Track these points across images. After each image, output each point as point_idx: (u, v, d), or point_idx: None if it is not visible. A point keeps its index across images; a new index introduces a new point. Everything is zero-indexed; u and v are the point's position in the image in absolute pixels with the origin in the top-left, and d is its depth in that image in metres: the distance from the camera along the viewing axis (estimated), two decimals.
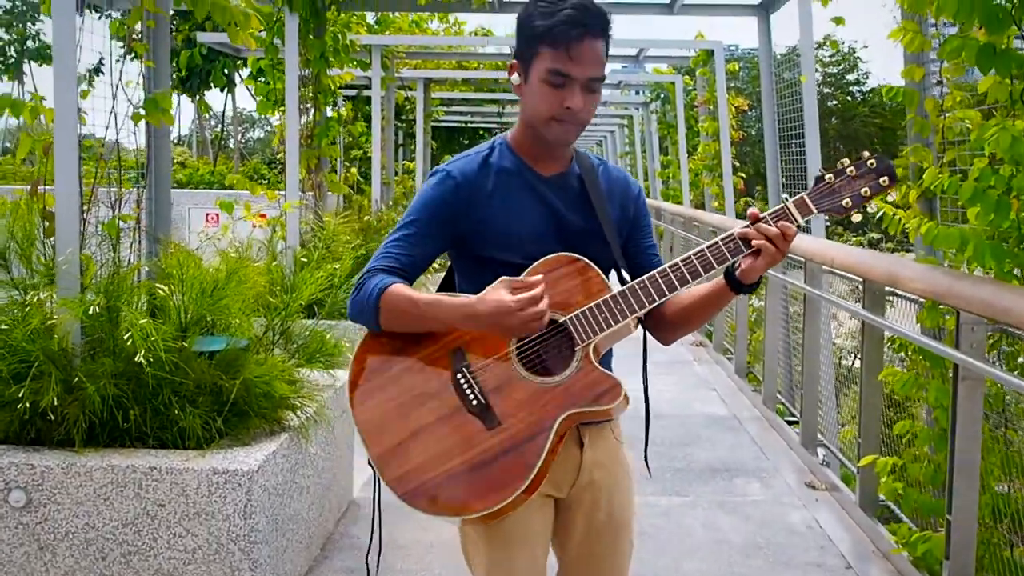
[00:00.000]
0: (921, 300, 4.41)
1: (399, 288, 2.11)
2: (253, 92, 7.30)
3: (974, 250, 3.72)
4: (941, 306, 3.98)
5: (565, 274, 2.14)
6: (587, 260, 2.15)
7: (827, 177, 2.10)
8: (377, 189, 10.37)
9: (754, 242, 2.06)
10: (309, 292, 4.20)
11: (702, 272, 2.10)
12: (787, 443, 6.25)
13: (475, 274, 2.20)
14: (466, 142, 26.89)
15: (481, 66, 14.19)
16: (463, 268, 2.27)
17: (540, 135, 2.16)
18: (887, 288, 4.61)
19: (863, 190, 2.08)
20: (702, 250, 2.10)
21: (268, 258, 4.65)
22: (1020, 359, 3.74)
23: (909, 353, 4.48)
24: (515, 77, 2.16)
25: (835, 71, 63.63)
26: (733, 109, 10.69)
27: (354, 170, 9.58)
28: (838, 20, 5.47)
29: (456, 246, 2.23)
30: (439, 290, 2.34)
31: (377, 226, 8.09)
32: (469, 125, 25.63)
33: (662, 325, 2.30)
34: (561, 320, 2.11)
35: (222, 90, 23.42)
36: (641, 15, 8.40)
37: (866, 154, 2.13)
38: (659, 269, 2.12)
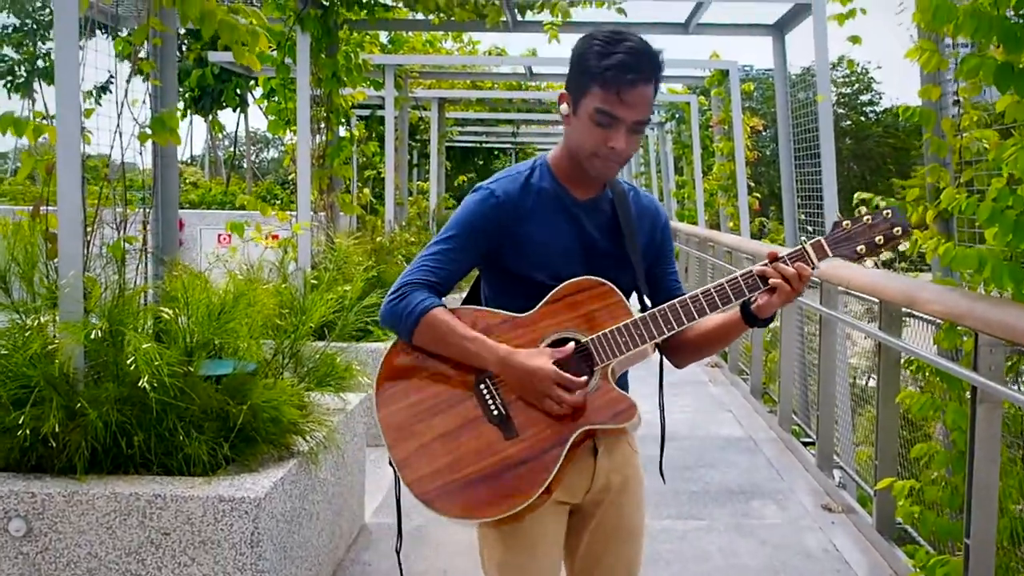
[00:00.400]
0: (938, 321, 4.35)
1: (441, 313, 2.22)
2: (265, 111, 7.25)
3: (992, 271, 3.66)
4: (959, 327, 3.91)
5: (591, 296, 2.24)
6: (612, 285, 2.25)
7: (845, 224, 2.20)
8: (390, 210, 10.35)
9: (771, 280, 2.17)
10: (319, 314, 4.16)
11: (720, 304, 2.20)
12: (803, 465, 6.17)
13: (502, 288, 2.32)
14: (480, 162, 26.92)
15: (495, 86, 14.19)
16: (491, 280, 2.37)
17: (581, 166, 2.24)
18: (904, 309, 4.55)
19: (877, 238, 2.18)
20: (721, 283, 2.20)
21: (279, 280, 4.60)
22: None
23: (926, 375, 4.40)
24: (564, 107, 2.24)
25: (849, 91, 63.51)
26: (748, 129, 10.64)
27: (367, 191, 9.56)
28: (855, 39, 5.43)
29: (489, 260, 2.32)
30: (466, 300, 2.46)
31: (390, 247, 8.06)
32: (484, 145, 25.64)
33: (677, 350, 2.41)
34: (583, 340, 2.21)
35: (235, 110, 23.45)
36: (657, 34, 8.36)
37: (883, 204, 2.27)
38: (679, 299, 2.22)
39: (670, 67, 12.59)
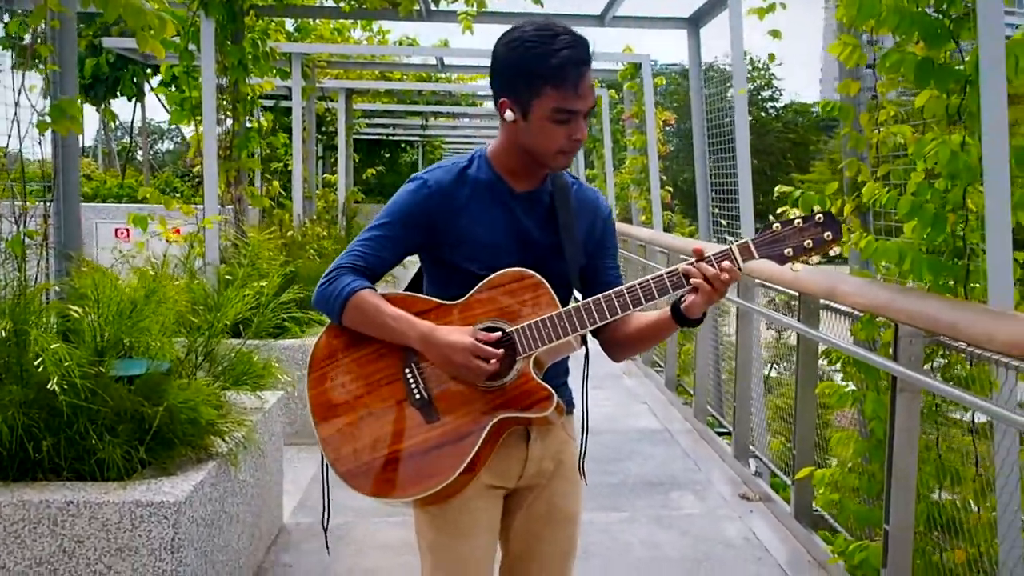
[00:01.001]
0: (855, 313, 4.41)
1: (368, 294, 2.26)
2: (165, 101, 7.02)
3: (912, 264, 3.72)
4: (878, 319, 3.96)
5: (520, 287, 2.25)
6: (540, 278, 2.26)
7: (775, 226, 2.19)
8: (299, 203, 10.15)
9: (692, 280, 2.17)
10: (235, 311, 4.03)
11: (643, 300, 2.21)
12: (719, 455, 6.24)
13: (438, 277, 2.35)
14: (387, 155, 26.63)
15: (405, 77, 14.02)
16: (428, 270, 2.40)
17: (540, 164, 2.27)
18: (822, 301, 4.61)
19: (806, 242, 2.16)
20: (646, 280, 2.21)
21: (187, 276, 4.45)
22: (957, 370, 3.73)
23: (843, 366, 4.47)
24: (509, 114, 2.23)
25: (750, 87, 64.96)
26: (660, 123, 10.70)
27: (276, 183, 9.34)
28: (775, 33, 5.47)
29: (423, 250, 2.35)
30: (408, 288, 2.46)
31: (301, 241, 7.88)
32: (390, 138, 25.37)
33: (612, 345, 2.43)
34: (508, 330, 2.24)
35: (130, 99, 22.72)
36: (572, 26, 8.29)
37: (816, 208, 2.29)
38: (604, 294, 2.23)
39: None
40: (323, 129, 15.36)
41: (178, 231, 7.10)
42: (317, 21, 10.52)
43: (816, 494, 4.52)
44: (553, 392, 2.25)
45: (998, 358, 3.09)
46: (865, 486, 4.12)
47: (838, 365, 4.49)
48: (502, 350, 2.21)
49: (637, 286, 2.21)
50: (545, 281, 2.26)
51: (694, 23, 8.22)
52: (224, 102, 7.14)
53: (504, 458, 2.32)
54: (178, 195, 13.63)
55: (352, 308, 2.26)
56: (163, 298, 3.68)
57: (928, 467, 3.76)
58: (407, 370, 2.26)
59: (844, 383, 4.27)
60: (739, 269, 2.17)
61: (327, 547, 2.65)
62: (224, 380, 4.09)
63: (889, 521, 3.61)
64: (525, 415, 2.25)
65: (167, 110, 14.69)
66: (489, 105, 19.08)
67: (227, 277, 4.27)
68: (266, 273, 4.54)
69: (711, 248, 2.21)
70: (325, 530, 2.53)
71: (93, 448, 3.24)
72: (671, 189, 11.11)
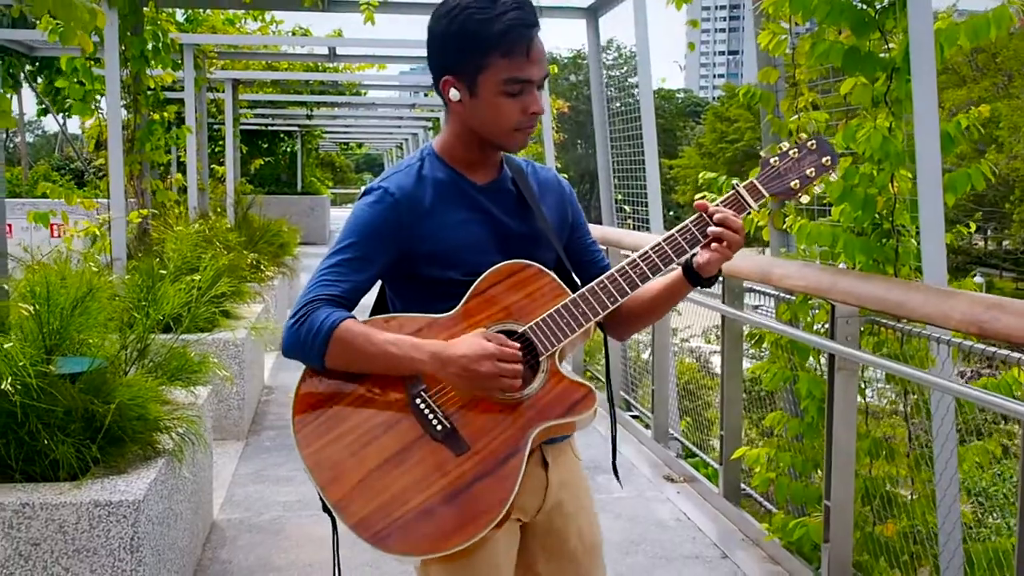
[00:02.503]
0: (778, 295, 4.58)
1: (352, 324, 1.95)
2: (66, 92, 6.72)
3: (844, 246, 3.88)
4: (810, 301, 4.13)
5: (518, 281, 2.03)
6: (539, 266, 2.05)
7: (772, 160, 2.09)
8: (194, 196, 9.90)
9: (711, 230, 2.01)
10: (171, 306, 3.94)
11: (662, 267, 2.03)
12: (637, 438, 6.37)
13: (415, 295, 2.08)
14: (265, 146, 26.14)
15: (291, 67, 13.81)
16: (400, 290, 2.12)
17: (496, 146, 2.06)
18: (745, 284, 4.76)
19: (808, 171, 2.06)
20: (659, 244, 2.04)
21: (107, 270, 4.32)
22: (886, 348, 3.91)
23: (771, 348, 4.62)
24: (454, 93, 1.99)
25: (618, 74, 66.01)
26: (555, 112, 10.80)
27: (180, 175, 9.10)
28: (694, 23, 5.61)
29: (395, 267, 2.05)
30: (371, 315, 2.16)
31: (209, 235, 7.71)
32: (269, 128, 24.94)
33: (618, 322, 2.22)
34: (521, 330, 2.00)
35: (7, 93, 21.64)
36: None
37: (804, 135, 2.15)
38: (617, 267, 2.05)
39: None
40: (209, 121, 15.01)
41: (62, 226, 6.89)
42: (207, 12, 10.28)
43: (749, 474, 4.67)
44: (593, 388, 2.01)
45: (938, 334, 3.26)
46: (799, 464, 4.28)
47: (766, 346, 4.64)
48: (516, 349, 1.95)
49: (651, 252, 2.02)
50: (544, 268, 2.05)
51: (593, 12, 8.32)
52: (125, 94, 6.94)
53: (525, 487, 2.00)
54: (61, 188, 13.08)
55: (337, 343, 1.93)
56: (102, 295, 3.57)
57: (863, 444, 3.92)
58: (417, 400, 1.96)
59: (777, 363, 4.41)
60: (755, 211, 2.07)
61: None
62: (160, 376, 4.00)
63: (830, 497, 3.74)
64: (568, 419, 1.99)
65: (48, 103, 14.14)
66: (375, 94, 18.98)
67: (161, 272, 4.16)
68: (196, 266, 4.42)
69: (716, 201, 2.08)
70: None
71: (45, 449, 3.14)
72: (566, 176, 11.23)
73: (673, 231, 2.05)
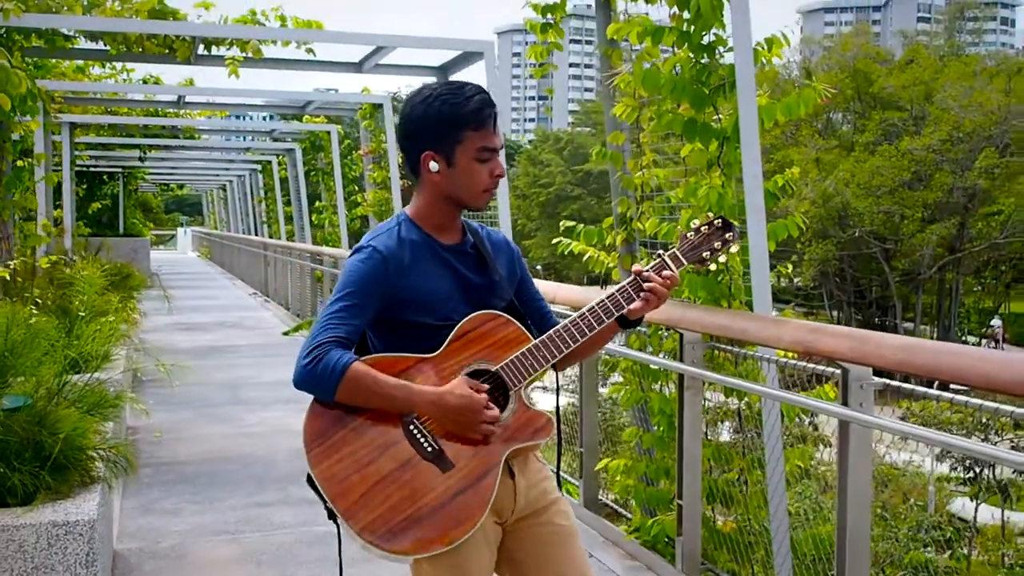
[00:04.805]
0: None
1: (361, 366, 2.30)
2: None
3: (688, 284, 4.60)
4: (660, 330, 4.84)
5: (490, 328, 2.44)
6: (507, 316, 2.46)
7: (688, 235, 2.57)
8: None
9: (646, 286, 2.47)
10: (95, 344, 4.28)
11: (605, 319, 2.46)
12: None
13: (393, 337, 2.45)
14: (85, 187, 25.56)
15: (132, 112, 13.89)
16: (380, 331, 2.47)
17: (467, 207, 2.49)
18: None
19: (716, 243, 2.54)
20: (603, 300, 2.48)
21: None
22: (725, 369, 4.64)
23: (623, 373, 5.31)
24: (433, 165, 2.40)
25: None
26: (401, 158, 11.35)
27: (46, 221, 9.12)
28: (549, 91, 6.31)
29: (380, 314, 2.42)
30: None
31: (70, 278, 7.83)
32: (90, 170, 24.44)
33: (564, 359, 2.56)
34: (494, 369, 2.40)
35: None
36: (334, 72, 8.89)
37: (711, 215, 2.69)
38: (570, 319, 2.46)
39: (324, 104, 12.98)
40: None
41: None
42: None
43: (613, 482, 5.31)
44: (551, 416, 2.45)
45: (766, 355, 4.01)
46: (653, 472, 4.96)
47: (618, 371, 5.33)
48: (500, 405, 2.37)
49: (596, 306, 2.45)
50: (512, 318, 2.45)
51: (443, 71, 8.97)
52: None
53: (498, 495, 2.38)
54: None
55: (349, 382, 2.28)
56: (35, 335, 3.90)
57: (707, 451, 4.63)
58: (411, 427, 2.33)
59: (631, 385, 5.10)
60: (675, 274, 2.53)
61: None
62: (77, 409, 4.31)
63: (682, 496, 4.42)
64: (533, 442, 2.42)
65: None
66: (209, 139, 19.11)
67: (80, 313, 4.47)
68: (105, 310, 4.75)
69: (645, 266, 2.52)
70: None
71: (1, 477, 3.46)
72: None
73: (613, 289, 2.50)
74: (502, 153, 2.48)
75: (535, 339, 2.45)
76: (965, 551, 16.40)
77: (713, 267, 2.63)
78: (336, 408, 2.34)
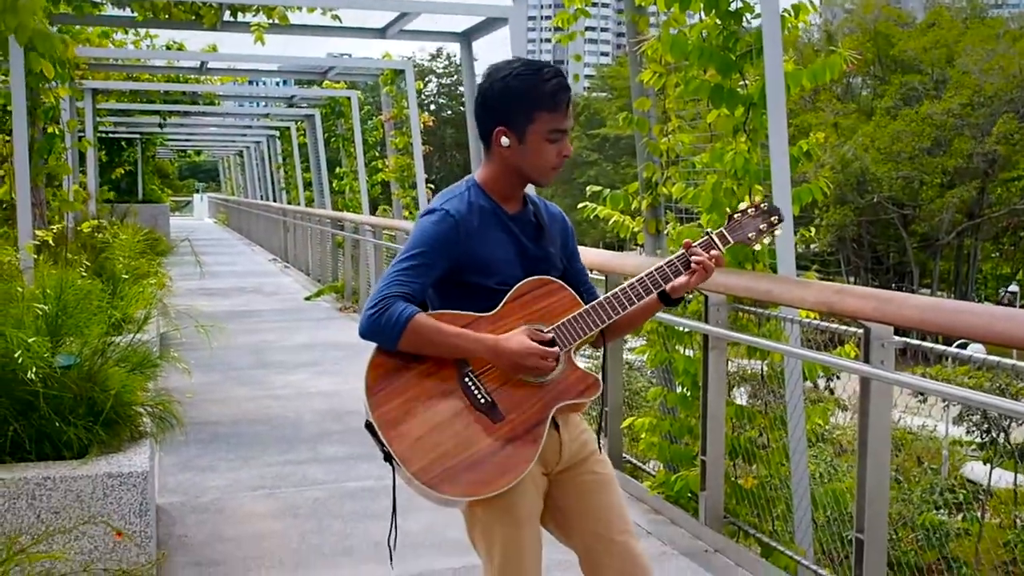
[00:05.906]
0: None
1: (425, 318, 2.44)
2: None
3: None
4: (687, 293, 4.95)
5: (544, 293, 2.58)
6: (561, 282, 2.60)
7: (735, 216, 2.69)
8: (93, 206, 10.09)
9: (693, 261, 2.58)
10: (135, 307, 4.43)
11: (653, 289, 2.59)
12: None
13: (456, 294, 2.57)
14: (106, 153, 25.70)
15: (154, 78, 13.99)
16: (443, 290, 2.59)
17: (534, 182, 2.60)
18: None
19: (761, 226, 2.67)
20: (652, 272, 2.59)
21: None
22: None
23: (648, 335, 5.44)
24: (505, 140, 2.52)
25: (448, 82, 66.97)
26: (423, 124, 11.43)
27: (76, 186, 9.28)
28: (577, 57, 6.40)
29: (446, 273, 2.54)
30: None
31: (103, 246, 8.00)
32: (109, 136, 24.59)
33: (611, 330, 2.68)
34: (547, 330, 2.54)
35: None
36: (359, 38, 8.97)
37: (758, 198, 2.82)
38: (621, 287, 2.58)
39: (345, 70, 13.05)
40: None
41: None
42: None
43: (638, 439, 5.46)
44: (599, 377, 2.57)
45: (788, 315, 4.12)
46: (676, 430, 5.10)
47: (643, 334, 5.45)
48: (556, 348, 2.50)
49: (645, 276, 2.56)
50: (565, 284, 2.59)
51: (466, 37, 9.04)
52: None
53: (544, 447, 2.51)
54: None
55: (411, 332, 2.41)
56: (84, 296, 4.06)
57: (729, 410, 4.76)
58: (466, 379, 2.47)
59: (655, 346, 5.22)
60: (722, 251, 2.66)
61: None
62: (122, 368, 4.47)
63: (706, 453, 4.56)
64: (580, 400, 2.55)
65: None
66: (228, 105, 19.21)
67: (124, 275, 4.62)
68: (146, 273, 4.90)
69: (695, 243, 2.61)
70: (391, 548, 2.63)
71: (57, 431, 3.62)
72: (433, 187, 11.88)
73: (662, 262, 2.62)
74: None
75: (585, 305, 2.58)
76: (978, 514, 16.55)
77: (757, 247, 2.75)
78: (396, 357, 2.46)
